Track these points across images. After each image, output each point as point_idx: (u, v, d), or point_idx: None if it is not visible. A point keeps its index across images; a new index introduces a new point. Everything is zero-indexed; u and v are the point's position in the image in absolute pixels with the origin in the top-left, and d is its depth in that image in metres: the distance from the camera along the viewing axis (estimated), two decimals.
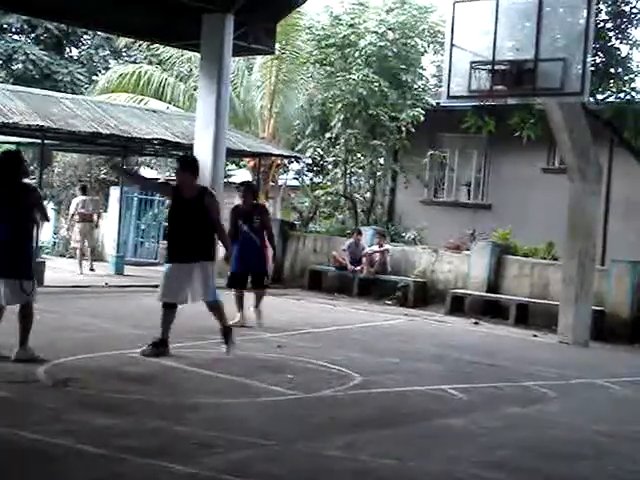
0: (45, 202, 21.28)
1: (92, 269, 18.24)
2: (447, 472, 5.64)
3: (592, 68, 12.39)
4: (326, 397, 7.64)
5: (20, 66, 33.17)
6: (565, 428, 7.21)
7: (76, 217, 18.61)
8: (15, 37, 34.66)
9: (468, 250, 16.39)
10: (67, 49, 36.48)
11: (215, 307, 9.13)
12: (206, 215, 8.85)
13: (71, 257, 21.03)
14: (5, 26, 34.34)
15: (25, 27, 34.05)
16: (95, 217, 18.80)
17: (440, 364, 9.87)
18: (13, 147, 20.14)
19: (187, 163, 9.16)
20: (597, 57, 14.02)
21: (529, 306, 14.89)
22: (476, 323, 14.49)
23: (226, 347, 9.13)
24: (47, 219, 8.70)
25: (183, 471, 5.17)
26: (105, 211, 20.33)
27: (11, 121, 14.92)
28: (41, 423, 5.99)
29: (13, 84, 26.59)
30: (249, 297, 11.72)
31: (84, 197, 18.88)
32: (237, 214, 11.64)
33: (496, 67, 11.79)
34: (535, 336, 13.51)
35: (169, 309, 8.92)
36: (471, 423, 7.05)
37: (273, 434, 6.17)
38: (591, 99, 13.53)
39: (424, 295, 16.40)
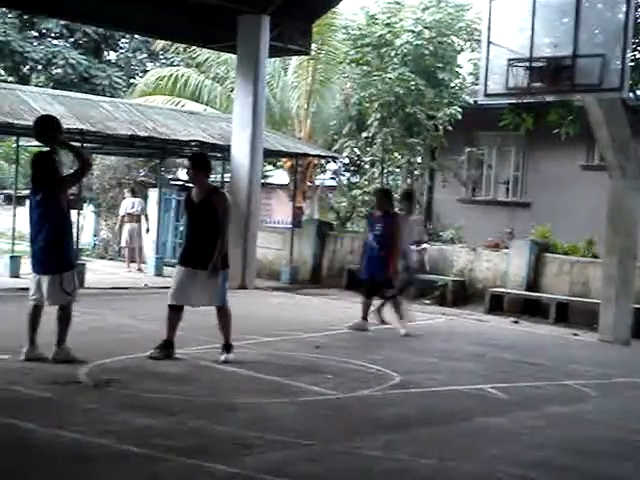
0: (85, 204, 21.67)
1: (140, 269, 18.61)
2: (487, 472, 5.61)
3: (631, 63, 12.22)
4: (365, 397, 7.63)
5: (59, 70, 33.58)
6: (606, 427, 7.14)
7: (125, 218, 19.16)
8: (54, 42, 35.10)
9: (507, 248, 16.29)
10: (105, 53, 36.87)
11: (222, 313, 8.70)
12: (215, 217, 8.49)
13: (111, 259, 21.29)
14: (44, 31, 34.77)
15: (64, 32, 34.45)
16: (143, 218, 19.27)
17: (479, 363, 9.82)
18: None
19: (198, 160, 8.88)
20: (636, 52, 13.83)
21: (569, 304, 14.76)
22: (515, 322, 14.39)
23: (224, 356, 8.67)
24: (85, 165, 8.30)
25: (223, 471, 5.20)
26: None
27: None
28: (83, 424, 6.05)
29: (53, 88, 26.88)
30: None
31: (133, 199, 19.44)
32: (368, 220, 11.88)
33: (534, 64, 11.68)
34: (575, 335, 13.39)
35: (175, 311, 8.78)
36: (511, 422, 7.00)
37: (312, 434, 6.17)
38: (630, 95, 13.37)
39: (463, 294, 16.33)
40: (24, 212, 26.34)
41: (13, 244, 16.81)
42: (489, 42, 12.17)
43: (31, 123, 14.56)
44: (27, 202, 25.84)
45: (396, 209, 12.13)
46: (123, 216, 19.38)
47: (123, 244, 19.62)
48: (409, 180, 21.89)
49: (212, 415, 6.55)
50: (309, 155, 21.00)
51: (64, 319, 8.14)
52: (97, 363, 8.17)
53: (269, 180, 27.46)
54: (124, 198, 19.93)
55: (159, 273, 18.22)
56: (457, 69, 21.26)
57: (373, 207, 12.04)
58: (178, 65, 26.89)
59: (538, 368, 9.83)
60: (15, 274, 15.79)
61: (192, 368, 8.35)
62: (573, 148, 18.58)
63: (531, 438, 6.56)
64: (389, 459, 5.70)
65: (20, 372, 7.59)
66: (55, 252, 8.02)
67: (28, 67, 34.31)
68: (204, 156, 9.34)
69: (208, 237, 8.51)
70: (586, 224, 16.70)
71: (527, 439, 6.52)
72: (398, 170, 22.26)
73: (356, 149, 22.20)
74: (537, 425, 7.03)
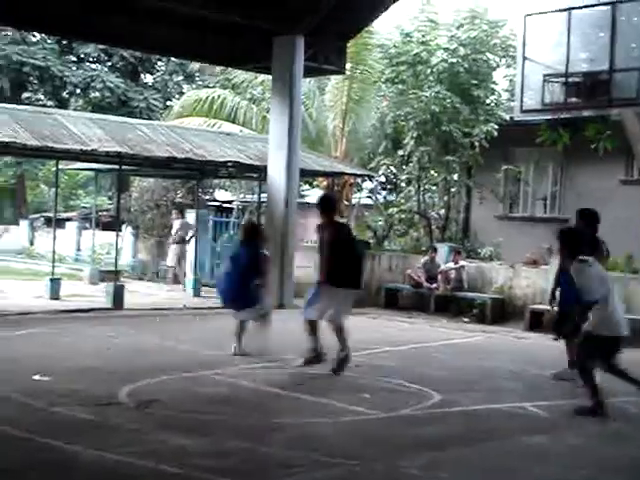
0: (123, 226, 21.90)
1: (185, 290, 18.86)
2: None
3: None
4: (405, 416, 7.60)
5: (97, 94, 34.03)
6: None
7: (175, 238, 19.56)
8: (92, 66, 35.60)
9: (546, 265, 16.14)
10: (142, 76, 37.31)
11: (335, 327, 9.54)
12: (346, 245, 9.58)
13: (150, 280, 21.43)
14: (83, 56, 35.28)
15: (102, 56, 34.94)
16: (187, 239, 19.65)
17: (520, 381, 9.74)
18: (93, 174, 20.75)
19: (325, 204, 9.87)
20: None
21: None
22: (556, 339, 14.21)
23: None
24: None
25: None
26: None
27: (89, 148, 15.26)
28: (124, 445, 6.08)
29: (91, 112, 27.25)
30: None
31: (182, 220, 19.79)
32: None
33: (570, 79, 11.65)
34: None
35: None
36: (553, 441, 6.93)
37: (353, 454, 6.15)
38: None
39: (502, 311, 16.19)
40: (63, 234, 26.67)
41: (53, 266, 16.98)
42: (524, 58, 12.16)
43: (71, 147, 14.90)
44: (67, 225, 25.86)
45: None
46: (174, 237, 19.84)
47: (171, 264, 19.87)
48: (446, 198, 21.83)
49: (252, 435, 6.56)
50: (345, 174, 21.02)
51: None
52: (138, 384, 8.21)
53: (306, 199, 27.52)
54: (174, 220, 20.28)
55: (197, 294, 18.31)
56: (492, 86, 21.18)
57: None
58: (214, 87, 27.08)
59: (580, 386, 9.70)
60: (55, 296, 15.94)
61: (232, 389, 8.37)
62: (611, 163, 18.40)
63: (573, 457, 6.48)
64: (431, 478, 5.66)
65: (62, 394, 7.64)
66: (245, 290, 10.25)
67: (67, 91, 34.81)
68: (330, 198, 10.83)
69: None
70: (626, 239, 16.51)
71: (569, 458, 6.44)
72: (434, 188, 22.21)
73: (392, 167, 22.19)
74: (579, 444, 6.95)
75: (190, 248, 19.63)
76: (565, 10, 11.82)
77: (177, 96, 34.40)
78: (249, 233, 10.82)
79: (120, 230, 19.36)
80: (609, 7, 11.52)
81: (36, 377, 8.29)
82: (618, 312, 8.04)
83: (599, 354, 8.01)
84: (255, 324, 10.48)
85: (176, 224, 19.93)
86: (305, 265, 18.72)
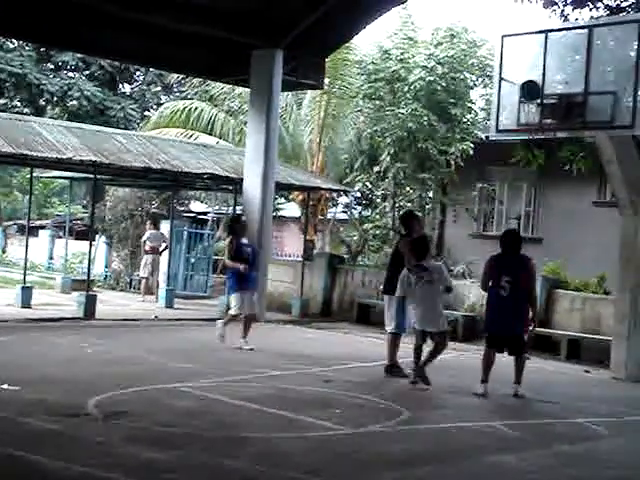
0: (97, 235, 21.78)
1: (157, 300, 18.72)
2: None
3: None
4: (374, 433, 7.59)
5: (75, 102, 33.87)
6: (619, 467, 7.07)
7: (147, 248, 19.37)
8: (70, 74, 35.44)
9: None
10: (120, 85, 37.21)
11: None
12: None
13: (122, 290, 21.33)
14: (60, 64, 35.12)
15: (80, 64, 34.79)
16: (160, 250, 19.52)
17: (490, 400, 9.76)
18: (67, 182, 20.59)
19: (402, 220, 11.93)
20: None
21: (580, 341, 14.68)
22: (527, 358, 14.28)
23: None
24: None
25: None
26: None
27: (65, 156, 15.19)
28: (91, 457, 6.03)
29: (68, 120, 27.12)
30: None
31: (153, 230, 19.65)
32: (496, 265, 10.64)
33: (545, 101, 11.72)
34: (587, 372, 13.30)
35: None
36: (522, 460, 6.94)
37: (320, 470, 6.14)
38: None
39: (473, 330, 16.24)
40: (36, 242, 26.45)
41: (25, 274, 16.86)
42: (501, 78, 12.20)
43: (46, 154, 14.82)
44: (41, 233, 25.71)
45: None
46: (144, 247, 19.69)
47: (143, 275, 19.71)
48: (420, 214, 21.91)
49: (220, 449, 6.53)
50: (321, 189, 21.06)
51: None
52: (106, 395, 8.16)
53: (281, 213, 27.56)
54: (146, 230, 20.16)
55: (170, 305, 18.23)
56: (469, 105, 21.33)
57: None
58: (192, 98, 27.09)
59: (549, 405, 9.77)
60: (27, 305, 15.81)
61: (201, 401, 8.33)
62: (585, 184, 18.58)
63: (542, 477, 6.51)
64: None
65: (29, 404, 7.58)
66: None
67: (44, 99, 34.61)
68: (406, 215, 12.22)
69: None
70: (598, 260, 16.66)
71: (538, 478, 6.46)
72: (410, 204, 22.28)
73: (368, 183, 22.27)
74: (548, 464, 6.97)
75: (163, 259, 19.55)
76: (542, 32, 11.89)
77: (155, 107, 34.35)
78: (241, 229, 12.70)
79: (94, 239, 19.25)
80: (585, 30, 11.61)
81: (4, 386, 8.21)
82: (418, 313, 10.32)
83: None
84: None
85: (145, 235, 19.80)
86: (280, 279, 18.76)
